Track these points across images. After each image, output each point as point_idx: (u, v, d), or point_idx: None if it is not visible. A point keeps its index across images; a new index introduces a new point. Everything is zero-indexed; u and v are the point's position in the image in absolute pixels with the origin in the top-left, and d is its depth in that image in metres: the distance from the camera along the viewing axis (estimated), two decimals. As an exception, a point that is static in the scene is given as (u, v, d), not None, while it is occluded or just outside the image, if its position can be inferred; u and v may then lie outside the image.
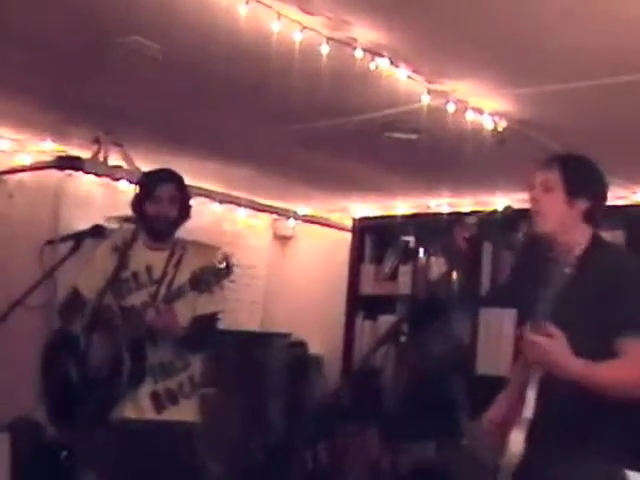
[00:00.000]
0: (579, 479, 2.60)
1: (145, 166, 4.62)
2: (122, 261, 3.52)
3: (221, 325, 3.66)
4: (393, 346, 5.75)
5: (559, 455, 2.59)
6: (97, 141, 4.86)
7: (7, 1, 3.11)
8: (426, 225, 6.05)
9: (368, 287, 6.43)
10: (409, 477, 5.42)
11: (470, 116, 3.90)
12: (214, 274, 3.28)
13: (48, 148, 5.15)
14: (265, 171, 5.46)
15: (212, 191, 5.92)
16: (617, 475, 2.66)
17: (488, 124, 3.98)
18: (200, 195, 5.74)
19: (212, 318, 3.59)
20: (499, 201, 5.38)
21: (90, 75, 3.79)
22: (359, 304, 6.43)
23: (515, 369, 2.91)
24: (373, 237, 6.53)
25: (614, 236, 4.98)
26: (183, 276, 3.42)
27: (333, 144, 4.65)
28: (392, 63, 3.37)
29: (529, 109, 3.85)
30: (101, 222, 3.64)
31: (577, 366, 2.48)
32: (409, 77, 3.50)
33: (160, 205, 3.51)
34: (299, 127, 4.34)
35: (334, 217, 6.73)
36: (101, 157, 4.92)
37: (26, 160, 5.19)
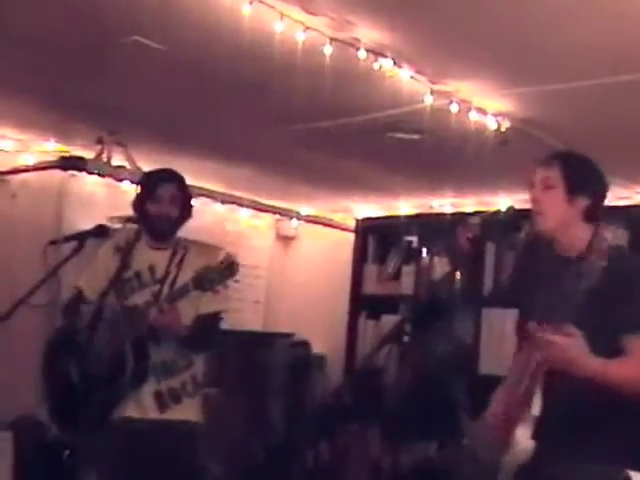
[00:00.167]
0: (582, 478, 2.61)
1: (147, 166, 4.62)
2: (125, 261, 3.52)
3: (224, 325, 3.66)
4: (396, 346, 5.76)
5: (562, 454, 2.59)
6: (100, 141, 4.87)
7: (9, 2, 3.12)
8: (429, 225, 6.05)
9: (371, 287, 6.43)
10: (410, 477, 5.41)
11: (473, 116, 3.90)
12: (218, 273, 3.28)
13: (51, 148, 5.17)
14: (268, 171, 5.47)
15: (215, 191, 5.93)
16: (620, 475, 2.66)
17: (491, 124, 3.98)
18: (203, 195, 5.75)
19: (215, 317, 3.59)
20: (502, 201, 5.38)
21: (93, 75, 3.80)
22: (362, 304, 6.43)
23: (514, 365, 2.91)
24: (376, 237, 6.53)
25: (617, 236, 4.98)
26: (186, 275, 3.42)
27: (336, 144, 4.66)
28: (395, 63, 3.37)
29: (532, 109, 3.85)
30: (104, 222, 3.64)
31: (594, 365, 2.48)
32: (412, 77, 3.50)
33: (161, 205, 3.51)
34: (302, 127, 4.34)
35: (337, 217, 6.73)
36: (104, 157, 4.93)
37: (29, 160, 5.20)
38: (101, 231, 3.48)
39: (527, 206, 2.81)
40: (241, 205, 6.26)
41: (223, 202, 6.08)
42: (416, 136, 4.25)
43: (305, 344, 6.50)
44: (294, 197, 6.32)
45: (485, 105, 3.87)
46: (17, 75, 3.93)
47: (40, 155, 5.19)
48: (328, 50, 3.19)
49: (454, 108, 3.79)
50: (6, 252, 5.04)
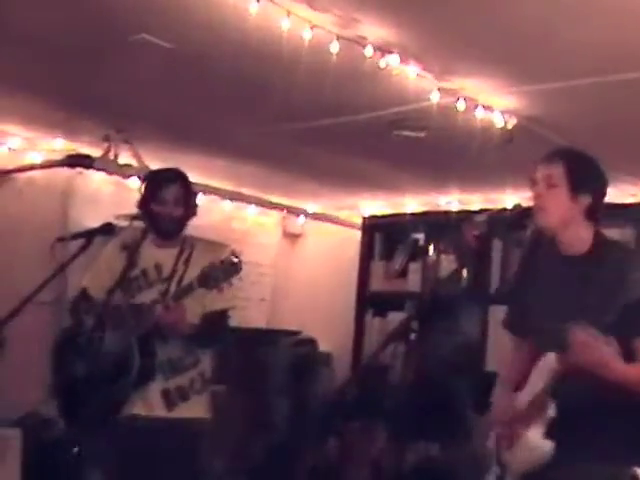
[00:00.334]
0: (589, 477, 2.61)
1: (155, 163, 4.63)
2: (131, 259, 3.53)
3: (230, 322, 3.67)
4: (402, 343, 5.76)
5: (572, 453, 2.59)
6: (107, 139, 4.87)
7: (17, 0, 3.13)
8: (435, 223, 6.05)
9: (377, 284, 6.43)
10: (415, 474, 5.42)
11: (480, 114, 3.90)
12: (223, 271, 3.29)
13: (58, 146, 5.17)
14: (274, 168, 5.47)
15: (221, 189, 5.93)
16: (627, 472, 2.67)
17: (498, 122, 3.97)
18: (209, 193, 5.76)
19: (222, 315, 3.60)
20: (508, 199, 5.38)
21: (100, 73, 3.80)
22: (368, 301, 6.44)
23: (515, 365, 2.92)
24: (382, 235, 6.53)
25: (623, 234, 4.97)
26: (193, 273, 3.42)
27: (342, 142, 4.66)
28: (402, 61, 3.37)
29: (539, 106, 3.85)
30: (111, 220, 3.65)
31: (622, 368, 2.49)
32: (418, 75, 3.50)
33: (165, 206, 3.52)
34: (308, 125, 4.34)
35: (343, 215, 6.73)
36: (111, 155, 4.93)
37: (36, 158, 5.21)
38: (108, 229, 3.49)
39: (532, 203, 2.81)
40: (248, 202, 6.27)
41: (231, 200, 6.09)
42: (422, 134, 4.25)
43: (311, 341, 6.50)
44: (301, 194, 6.32)
45: (491, 102, 3.87)
46: (24, 73, 3.93)
47: (47, 153, 5.20)
48: (335, 48, 3.20)
49: (460, 105, 3.79)
50: (12, 249, 5.06)
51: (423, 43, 3.26)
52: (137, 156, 5.00)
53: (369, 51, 3.26)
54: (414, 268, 6.21)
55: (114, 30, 3.29)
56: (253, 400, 5.97)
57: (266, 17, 3.02)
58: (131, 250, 3.55)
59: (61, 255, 3.37)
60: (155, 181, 3.60)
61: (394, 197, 6.12)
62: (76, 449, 4.08)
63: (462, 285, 5.69)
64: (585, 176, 2.72)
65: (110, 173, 5.12)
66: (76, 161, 5.02)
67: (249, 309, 6.37)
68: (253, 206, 6.33)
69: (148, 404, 3.46)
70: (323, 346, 6.53)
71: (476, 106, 3.85)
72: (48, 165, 5.15)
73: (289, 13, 3.02)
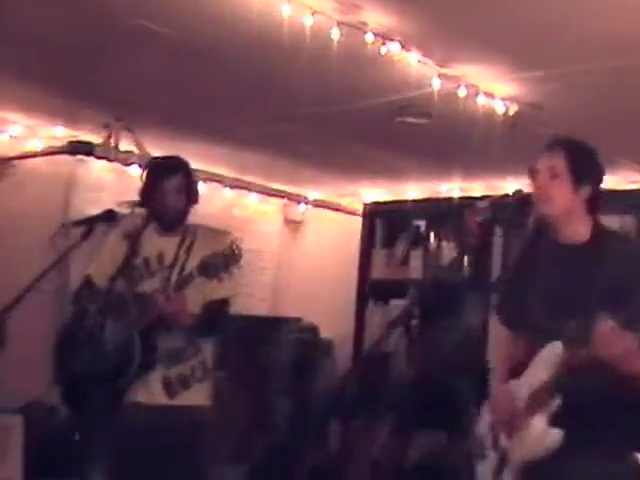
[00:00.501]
0: (593, 467, 2.62)
1: (156, 151, 4.63)
2: (133, 248, 3.53)
3: (232, 310, 3.67)
4: (404, 331, 5.78)
5: (574, 444, 2.60)
6: (108, 127, 4.87)
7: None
8: (437, 210, 6.05)
9: (379, 272, 6.44)
10: (416, 471, 5.42)
11: (481, 100, 3.89)
12: (223, 260, 3.29)
13: (59, 134, 5.17)
14: (275, 155, 5.47)
15: (223, 176, 5.93)
16: (629, 457, 2.68)
17: (499, 108, 3.97)
18: (211, 180, 5.76)
19: (223, 304, 3.60)
20: (510, 186, 5.35)
21: (102, 61, 3.79)
22: (370, 288, 6.45)
23: (510, 356, 2.93)
24: (384, 222, 6.53)
25: (624, 221, 4.98)
26: (194, 261, 3.42)
27: (344, 128, 4.65)
28: (403, 47, 3.36)
29: (540, 93, 3.84)
30: (112, 207, 3.65)
31: None
32: (420, 61, 3.49)
33: (167, 197, 3.51)
34: (309, 111, 4.33)
35: (344, 202, 6.73)
36: (112, 142, 4.93)
37: (37, 146, 5.20)
38: (109, 216, 3.48)
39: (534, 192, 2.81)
40: (249, 190, 6.26)
41: (232, 187, 6.09)
42: (424, 120, 4.24)
43: (313, 329, 6.52)
44: (302, 182, 6.32)
45: (493, 89, 3.86)
46: (26, 61, 3.93)
47: (48, 140, 5.20)
48: (335, 34, 3.18)
49: (462, 92, 3.78)
50: (14, 237, 5.06)
51: (424, 30, 3.25)
52: (138, 143, 5.00)
53: (370, 37, 3.25)
54: (415, 255, 6.22)
55: (114, 17, 3.28)
56: (255, 386, 5.99)
57: (267, 3, 3.01)
58: (133, 238, 3.55)
59: (63, 243, 3.37)
60: (157, 171, 3.59)
61: (395, 184, 6.12)
62: (77, 436, 4.09)
63: (464, 272, 5.69)
64: (586, 167, 2.74)
65: (111, 160, 5.12)
66: (77, 148, 5.02)
67: (251, 296, 6.38)
68: (254, 194, 6.32)
69: (149, 392, 3.46)
70: (324, 333, 6.54)
71: (477, 93, 3.84)
72: (49, 152, 5.15)
73: (289, -1, 3.01)
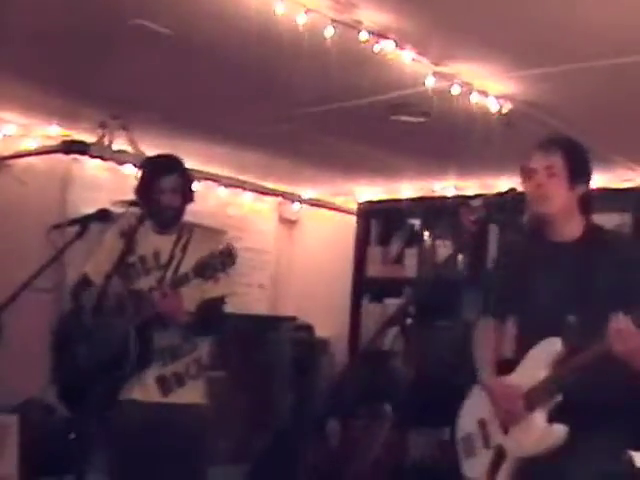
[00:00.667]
0: (586, 459, 2.63)
1: (153, 149, 4.62)
2: (129, 245, 3.53)
3: (228, 308, 3.67)
4: (400, 330, 5.78)
5: (572, 439, 2.61)
6: (103, 126, 4.86)
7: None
8: (432, 208, 6.05)
9: (374, 270, 6.44)
10: (417, 470, 5.43)
11: (475, 98, 3.89)
12: (219, 262, 3.30)
13: (54, 133, 5.16)
14: (272, 155, 5.46)
15: (217, 175, 5.93)
16: (622, 455, 2.69)
17: (493, 107, 3.97)
18: (206, 179, 5.75)
19: (218, 302, 3.60)
20: (505, 184, 5.36)
21: (98, 60, 3.79)
22: (365, 287, 6.45)
23: (494, 348, 2.93)
24: (379, 220, 6.54)
25: (621, 219, 4.99)
26: (190, 261, 3.43)
27: (339, 127, 4.65)
28: (397, 45, 3.37)
29: (534, 91, 3.84)
30: (107, 206, 3.65)
31: None
32: (414, 60, 3.50)
33: (163, 196, 3.52)
34: (303, 110, 4.34)
35: (339, 201, 6.73)
36: (106, 141, 4.92)
37: (32, 145, 5.20)
38: (104, 215, 3.49)
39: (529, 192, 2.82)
40: (244, 189, 6.26)
41: (226, 186, 6.09)
42: (419, 118, 4.25)
43: (308, 327, 6.52)
44: (296, 180, 6.32)
45: (487, 87, 3.87)
46: (20, 59, 3.92)
47: (43, 139, 5.19)
48: (329, 32, 3.19)
49: (456, 90, 3.78)
50: (11, 236, 5.05)
51: (419, 28, 3.25)
52: (133, 142, 4.99)
53: (364, 36, 3.25)
54: (410, 254, 6.22)
55: (112, 16, 3.28)
56: (252, 385, 5.99)
57: (260, 2, 3.01)
58: (128, 236, 3.55)
59: (58, 242, 3.37)
60: (152, 170, 3.60)
61: (390, 183, 6.12)
62: (73, 434, 4.09)
63: (459, 270, 5.70)
64: (581, 166, 2.78)
65: (105, 159, 5.12)
66: (71, 147, 5.01)
67: (247, 295, 6.38)
68: (249, 192, 6.32)
69: (145, 389, 3.47)
70: (320, 332, 6.54)
71: (471, 91, 3.85)
72: (43, 152, 5.15)
73: (284, -3, 3.01)
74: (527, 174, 2.78)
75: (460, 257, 5.71)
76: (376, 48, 3.34)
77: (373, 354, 5.57)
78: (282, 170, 5.91)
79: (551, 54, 3.39)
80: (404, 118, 4.25)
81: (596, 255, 2.67)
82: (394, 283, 6.14)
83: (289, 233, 7.01)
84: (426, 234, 6.18)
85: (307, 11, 3.09)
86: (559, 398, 2.63)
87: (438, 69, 3.62)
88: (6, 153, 5.17)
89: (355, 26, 3.21)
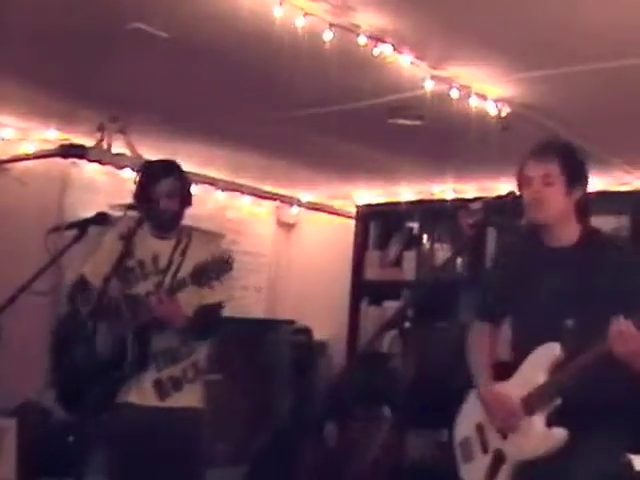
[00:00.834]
0: (586, 461, 2.63)
1: (152, 153, 4.62)
2: (127, 249, 3.53)
3: (226, 312, 3.67)
4: (398, 332, 5.78)
5: (571, 442, 2.61)
6: (101, 129, 4.86)
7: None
8: (430, 211, 6.06)
9: (373, 273, 6.44)
10: (416, 471, 5.42)
11: (473, 102, 3.89)
12: (215, 269, 3.30)
13: (52, 137, 5.16)
14: (270, 157, 5.46)
15: (216, 178, 5.92)
16: (621, 458, 2.69)
17: (491, 110, 3.97)
18: (204, 183, 5.75)
19: (216, 307, 3.60)
20: (503, 187, 5.34)
21: (97, 62, 3.78)
22: (364, 290, 6.44)
23: (489, 353, 2.93)
24: (377, 223, 6.54)
25: (619, 222, 4.99)
26: (188, 266, 3.43)
27: (337, 130, 4.65)
28: (395, 49, 3.37)
29: (532, 93, 3.84)
30: (105, 210, 3.65)
31: None
32: (412, 63, 3.50)
33: (160, 200, 3.52)
34: (301, 113, 4.34)
35: (337, 204, 6.73)
36: (104, 145, 4.92)
37: (30, 149, 5.19)
38: (102, 218, 3.48)
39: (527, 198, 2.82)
40: (242, 192, 6.26)
41: (224, 190, 6.08)
42: (417, 122, 4.25)
43: (307, 331, 6.51)
44: (294, 184, 6.31)
45: (486, 91, 3.87)
46: (18, 63, 3.91)
47: (41, 143, 5.19)
48: (328, 36, 3.19)
49: (454, 94, 3.78)
50: (8, 240, 5.05)
51: (417, 31, 3.25)
52: (130, 146, 4.99)
53: (362, 39, 3.25)
54: (409, 257, 6.22)
55: (109, 19, 3.28)
56: (250, 388, 5.99)
57: (259, 4, 3.01)
58: (127, 238, 3.55)
59: (56, 245, 3.36)
60: (151, 174, 3.59)
61: (389, 186, 6.12)
62: (71, 437, 4.09)
63: (457, 273, 5.70)
64: (578, 171, 2.78)
65: (104, 163, 5.11)
66: (69, 151, 5.01)
67: (245, 298, 6.38)
68: (247, 196, 6.32)
69: (142, 393, 3.47)
70: (318, 335, 6.54)
71: (470, 94, 3.85)
72: (41, 156, 5.14)
73: (282, 1, 3.01)
74: (524, 182, 2.78)
75: (459, 260, 5.71)
76: (375, 52, 3.34)
77: (371, 356, 5.57)
78: (280, 173, 5.90)
79: (549, 56, 3.40)
80: (401, 121, 4.25)
81: (593, 259, 2.67)
82: (392, 286, 6.14)
83: (287, 236, 7.01)
84: (425, 237, 6.17)
85: (305, 15, 3.09)
86: (558, 402, 2.63)
87: (436, 72, 3.62)
88: (4, 157, 5.17)
89: (353, 30, 3.21)
